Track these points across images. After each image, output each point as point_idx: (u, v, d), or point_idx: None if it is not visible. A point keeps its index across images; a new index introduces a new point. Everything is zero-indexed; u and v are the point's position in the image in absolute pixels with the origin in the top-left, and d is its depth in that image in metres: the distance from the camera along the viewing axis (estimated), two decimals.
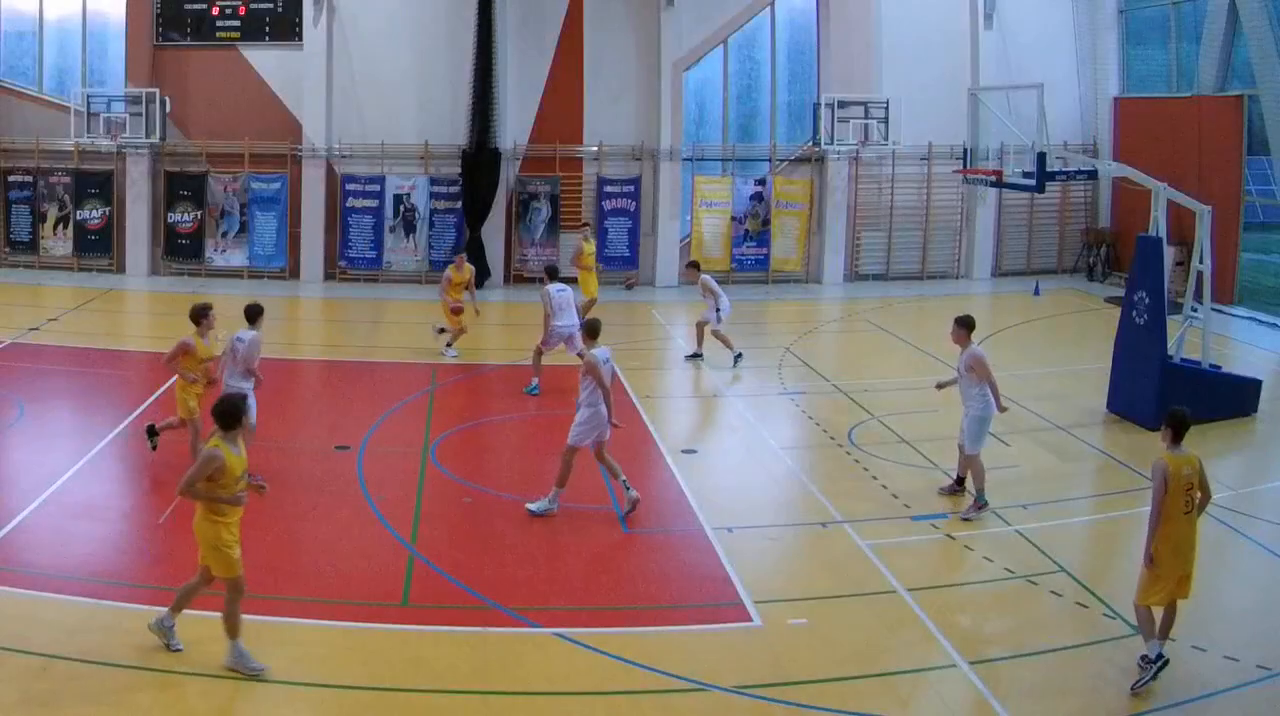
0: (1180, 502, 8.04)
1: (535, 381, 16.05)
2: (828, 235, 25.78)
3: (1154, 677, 8.02)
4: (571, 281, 18.71)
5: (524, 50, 24.95)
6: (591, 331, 11.67)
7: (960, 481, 11.98)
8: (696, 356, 18.24)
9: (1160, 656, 8.06)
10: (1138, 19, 26.07)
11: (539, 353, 16.15)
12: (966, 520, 11.31)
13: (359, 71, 24.87)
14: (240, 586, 8.12)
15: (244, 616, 8.12)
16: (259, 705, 7.73)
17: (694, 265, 19.14)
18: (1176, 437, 8.20)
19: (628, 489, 11.27)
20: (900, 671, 8.51)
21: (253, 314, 12.19)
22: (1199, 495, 8.17)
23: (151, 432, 12.48)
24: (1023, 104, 17.22)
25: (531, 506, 11.36)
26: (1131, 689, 8.03)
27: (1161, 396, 14.03)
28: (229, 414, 8.17)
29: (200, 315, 12.01)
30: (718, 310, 17.75)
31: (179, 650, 8.22)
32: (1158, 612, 8.31)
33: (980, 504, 11.41)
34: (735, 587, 9.74)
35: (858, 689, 8.16)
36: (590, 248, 20.82)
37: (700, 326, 18.15)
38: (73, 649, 8.17)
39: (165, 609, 8.31)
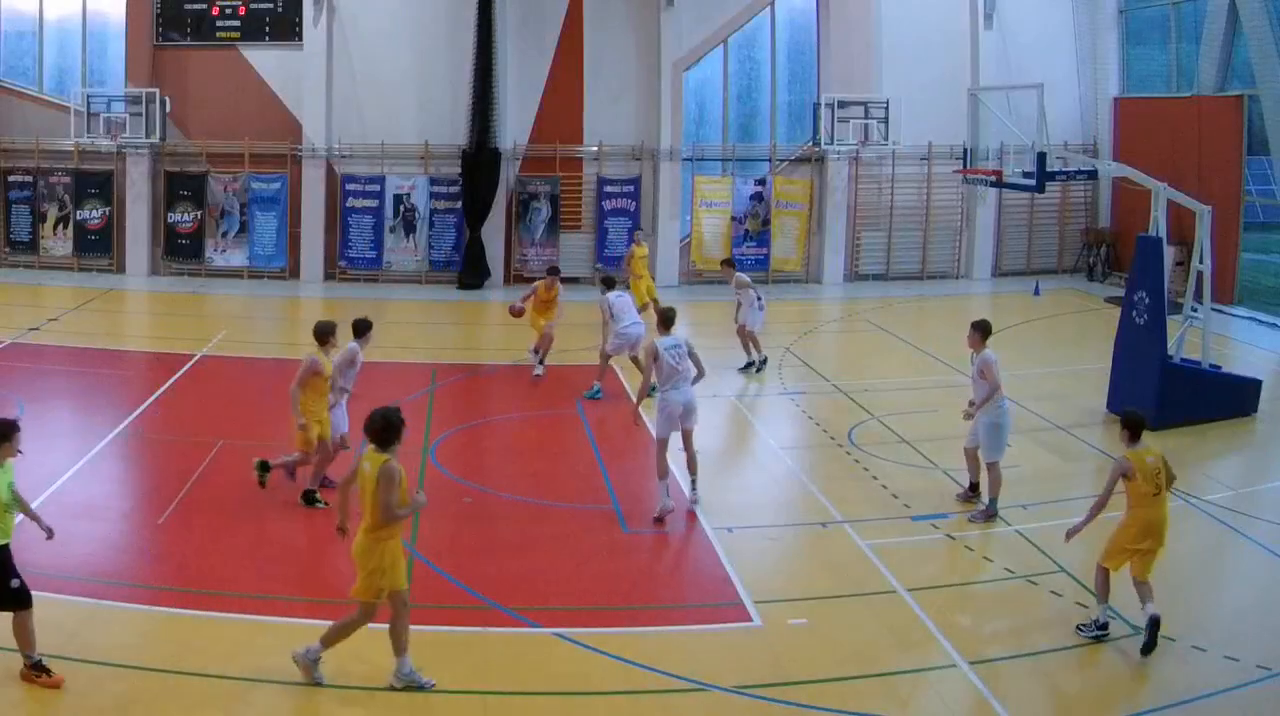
0: (1150, 488, 8.75)
1: (597, 385, 15.68)
2: (828, 235, 25.78)
3: (1094, 639, 8.74)
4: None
5: (524, 50, 24.95)
6: (663, 319, 11.61)
7: (974, 487, 11.82)
8: (750, 365, 17.45)
9: (1106, 625, 8.80)
10: (1138, 19, 26.07)
11: (604, 357, 15.86)
12: (973, 521, 11.29)
13: (359, 71, 24.87)
14: (371, 614, 7.86)
15: (242, 616, 8.09)
16: (258, 705, 7.73)
17: (728, 263, 18.78)
18: (1134, 437, 8.95)
19: (693, 488, 11.42)
20: (900, 671, 8.51)
21: (359, 328, 11.45)
22: (1164, 479, 8.86)
23: (264, 469, 11.49)
24: (1023, 104, 17.22)
25: (657, 511, 11.24)
26: (1076, 628, 8.92)
27: (1161, 396, 14.03)
28: (387, 429, 7.76)
29: (328, 333, 11.20)
30: (757, 301, 17.19)
31: (431, 685, 7.89)
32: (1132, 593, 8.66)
33: (991, 512, 11.33)
34: (735, 587, 9.74)
35: (858, 689, 8.16)
36: (641, 251, 20.49)
37: (742, 331, 17.41)
38: (73, 649, 8.16)
39: (397, 658, 7.92)
